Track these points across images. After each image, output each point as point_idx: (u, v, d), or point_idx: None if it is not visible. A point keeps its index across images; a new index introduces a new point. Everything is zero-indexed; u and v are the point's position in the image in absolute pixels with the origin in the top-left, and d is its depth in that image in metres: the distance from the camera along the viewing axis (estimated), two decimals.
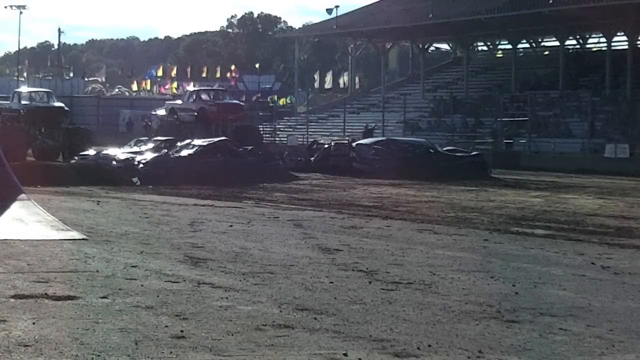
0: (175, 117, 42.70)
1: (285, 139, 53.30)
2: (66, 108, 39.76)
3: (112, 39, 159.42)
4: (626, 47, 54.19)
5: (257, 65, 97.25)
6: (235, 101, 45.24)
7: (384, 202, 20.83)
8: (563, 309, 8.24)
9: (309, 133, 54.38)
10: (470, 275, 10.08)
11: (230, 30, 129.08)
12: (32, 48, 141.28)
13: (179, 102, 44.94)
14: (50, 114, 37.92)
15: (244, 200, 20.56)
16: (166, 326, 7.09)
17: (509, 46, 64.26)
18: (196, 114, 41.40)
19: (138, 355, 6.23)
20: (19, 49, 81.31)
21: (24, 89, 46.13)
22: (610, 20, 53.35)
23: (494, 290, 9.18)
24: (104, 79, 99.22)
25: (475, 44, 69.14)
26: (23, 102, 38.82)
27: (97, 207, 17.79)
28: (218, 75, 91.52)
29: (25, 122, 37.27)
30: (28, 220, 13.67)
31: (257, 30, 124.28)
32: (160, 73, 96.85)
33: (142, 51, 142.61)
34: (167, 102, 47.87)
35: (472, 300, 8.53)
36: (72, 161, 30.05)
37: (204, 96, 43.17)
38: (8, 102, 40.62)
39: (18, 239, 11.87)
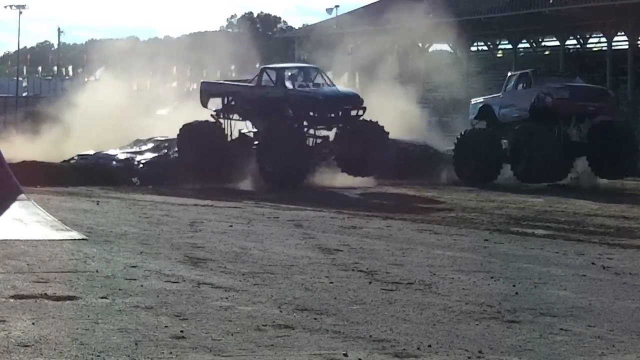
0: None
1: None
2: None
3: (112, 39, 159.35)
4: (626, 47, 54.14)
5: (257, 65, 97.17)
6: (594, 85, 32.08)
7: (384, 202, 20.81)
8: (563, 309, 8.23)
9: None
10: (470, 276, 10.07)
11: (230, 30, 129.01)
12: (31, 48, 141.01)
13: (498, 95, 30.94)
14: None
15: (244, 200, 20.54)
16: (166, 326, 7.08)
17: (509, 46, 64.23)
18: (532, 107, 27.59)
19: (138, 355, 6.22)
20: (18, 48, 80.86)
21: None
22: (611, 20, 53.30)
23: (494, 291, 9.17)
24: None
25: (475, 44, 69.07)
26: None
27: (96, 207, 17.76)
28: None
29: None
30: (28, 220, 13.65)
31: (257, 30, 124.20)
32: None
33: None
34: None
35: (472, 301, 8.52)
36: (72, 161, 29.96)
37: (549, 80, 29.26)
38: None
39: (18, 239, 11.84)
